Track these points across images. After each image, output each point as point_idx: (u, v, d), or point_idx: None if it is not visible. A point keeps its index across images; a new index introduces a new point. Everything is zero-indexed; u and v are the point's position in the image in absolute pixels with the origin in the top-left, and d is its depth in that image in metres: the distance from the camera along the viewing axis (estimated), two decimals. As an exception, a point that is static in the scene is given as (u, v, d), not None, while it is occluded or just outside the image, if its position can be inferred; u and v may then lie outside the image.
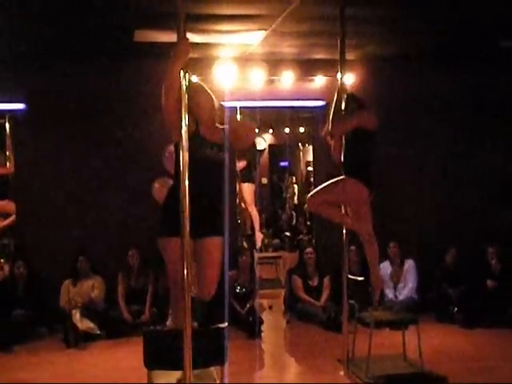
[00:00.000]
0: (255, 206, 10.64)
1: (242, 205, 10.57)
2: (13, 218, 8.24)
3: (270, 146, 12.74)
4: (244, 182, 10.51)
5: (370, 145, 5.98)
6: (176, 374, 3.76)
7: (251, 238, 10.32)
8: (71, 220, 8.64)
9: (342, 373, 6.05)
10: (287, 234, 12.20)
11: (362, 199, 5.93)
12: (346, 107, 6.00)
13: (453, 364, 6.25)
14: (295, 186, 12.76)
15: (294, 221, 12.38)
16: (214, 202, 4.43)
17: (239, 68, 8.67)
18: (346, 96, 6.08)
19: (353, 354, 6.21)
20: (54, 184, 8.66)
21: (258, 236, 10.54)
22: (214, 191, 4.43)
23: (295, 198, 12.79)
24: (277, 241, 12.08)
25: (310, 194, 6.14)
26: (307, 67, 8.99)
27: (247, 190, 10.50)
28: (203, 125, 4.38)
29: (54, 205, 8.63)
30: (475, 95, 9.25)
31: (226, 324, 3.92)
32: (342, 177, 5.92)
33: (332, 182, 5.94)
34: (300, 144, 12.70)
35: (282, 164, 13.33)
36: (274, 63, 8.89)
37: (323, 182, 8.58)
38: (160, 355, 3.85)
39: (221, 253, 4.44)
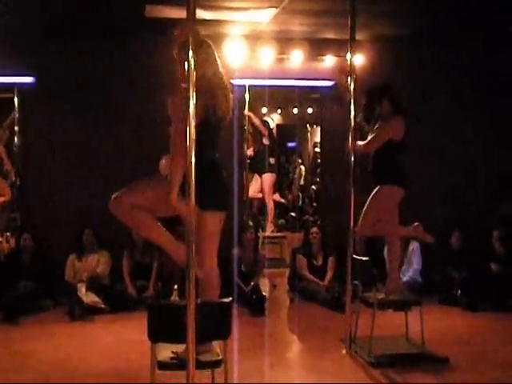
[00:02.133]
0: (273, 196, 10.71)
1: (260, 195, 10.63)
2: (5, 198, 8.16)
3: (277, 125, 12.68)
4: (255, 171, 10.52)
5: (398, 151, 6.07)
6: (180, 348, 3.77)
7: (257, 217, 10.36)
8: (78, 194, 8.67)
9: (344, 352, 6.08)
10: (293, 214, 12.20)
11: (397, 201, 6.10)
12: (380, 107, 6.02)
13: (454, 346, 6.26)
14: (302, 167, 12.74)
15: (300, 201, 12.37)
16: (212, 172, 4.25)
17: (249, 46, 8.64)
18: (380, 90, 6.07)
19: (355, 333, 6.24)
20: (62, 158, 8.69)
21: (270, 227, 10.59)
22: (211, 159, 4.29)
23: (302, 178, 12.77)
24: (282, 221, 12.08)
25: (358, 227, 6.13)
26: (317, 47, 8.95)
27: (267, 180, 10.52)
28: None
29: (61, 179, 8.66)
30: (484, 78, 9.22)
31: (231, 298, 3.93)
32: (376, 189, 6.03)
33: (370, 202, 6.03)
34: (308, 125, 12.66)
35: (290, 145, 13.29)
36: (284, 42, 8.86)
37: (330, 164, 8.67)
38: (164, 328, 3.87)
39: (215, 228, 4.28)
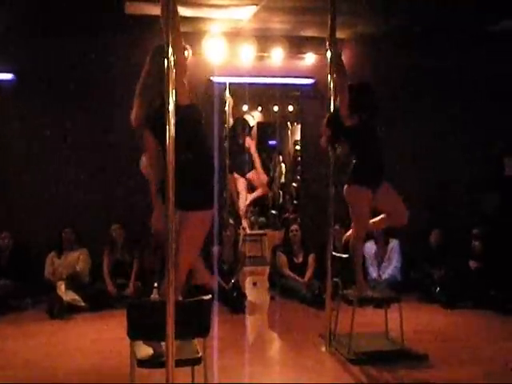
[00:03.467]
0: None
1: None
2: None
3: (258, 123, 12.68)
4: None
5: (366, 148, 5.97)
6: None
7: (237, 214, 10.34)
8: (58, 192, 8.62)
9: (323, 349, 6.11)
10: (273, 212, 12.21)
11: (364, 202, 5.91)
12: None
13: (434, 343, 6.31)
14: (283, 164, 12.75)
15: (281, 199, 12.39)
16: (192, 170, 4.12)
17: (229, 44, 8.64)
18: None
19: (335, 330, 6.27)
20: (41, 156, 8.64)
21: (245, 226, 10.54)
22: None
23: (282, 176, 12.77)
24: (262, 219, 12.09)
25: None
26: (297, 44, 8.98)
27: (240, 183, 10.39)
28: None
29: (41, 177, 8.60)
30: (467, 76, 9.27)
31: (210, 296, 3.93)
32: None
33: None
34: (289, 123, 12.67)
35: (271, 142, 13.30)
36: (264, 39, 8.87)
37: (310, 162, 8.67)
38: (143, 326, 3.87)
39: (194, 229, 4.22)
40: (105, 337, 6.57)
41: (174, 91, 3.53)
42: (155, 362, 3.80)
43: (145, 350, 4.02)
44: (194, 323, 3.74)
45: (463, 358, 5.88)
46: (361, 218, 5.95)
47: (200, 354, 3.98)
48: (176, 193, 3.56)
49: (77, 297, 7.76)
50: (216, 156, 8.58)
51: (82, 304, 7.76)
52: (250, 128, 10.52)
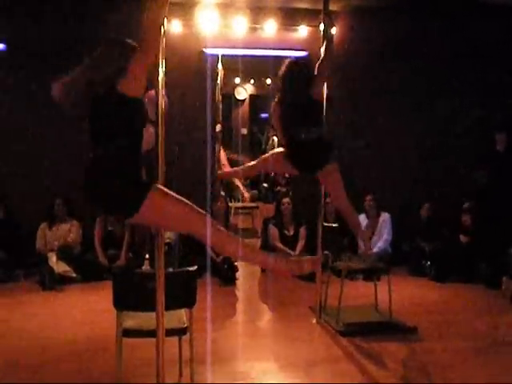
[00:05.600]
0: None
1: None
2: None
3: (250, 96, 12.68)
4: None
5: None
6: (145, 316, 3.78)
7: (229, 186, 10.35)
8: (49, 164, 8.59)
9: (313, 320, 6.15)
10: (265, 185, 12.24)
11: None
12: None
13: (423, 316, 6.35)
14: (275, 137, 12.74)
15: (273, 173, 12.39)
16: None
17: (221, 15, 8.58)
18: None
19: (325, 303, 6.32)
20: (33, 127, 8.59)
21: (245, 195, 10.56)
22: None
23: (274, 149, 12.77)
24: (254, 192, 12.12)
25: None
26: (290, 16, 8.92)
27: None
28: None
29: (32, 149, 8.57)
30: (460, 49, 9.25)
31: (196, 267, 3.95)
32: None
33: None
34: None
35: (263, 115, 13.28)
36: (257, 11, 8.81)
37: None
38: (129, 297, 3.90)
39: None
40: (96, 307, 6.59)
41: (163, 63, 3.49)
42: (141, 331, 3.82)
43: (132, 320, 4.05)
44: (181, 294, 3.76)
45: (452, 331, 5.92)
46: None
47: (186, 325, 4.01)
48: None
49: (68, 268, 7.79)
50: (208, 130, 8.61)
51: (74, 275, 7.79)
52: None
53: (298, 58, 5.79)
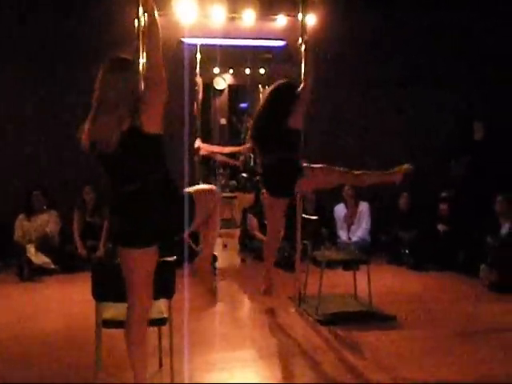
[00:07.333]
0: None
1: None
2: None
3: (229, 86, 12.60)
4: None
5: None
6: (124, 307, 3.77)
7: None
8: (27, 155, 8.53)
9: (293, 310, 6.18)
10: (244, 175, 12.20)
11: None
12: None
13: (402, 304, 6.39)
14: (254, 127, 12.72)
15: (252, 162, 12.36)
16: None
17: (199, 4, 8.52)
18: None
19: (305, 292, 6.34)
20: (11, 119, 8.54)
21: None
22: None
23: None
24: (233, 182, 12.08)
25: None
26: (269, 6, 8.88)
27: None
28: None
29: (10, 140, 8.51)
30: (439, 36, 9.30)
31: (175, 257, 3.94)
32: None
33: None
34: (260, 85, 12.60)
35: (242, 105, 13.24)
36: (235, 0, 8.76)
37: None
38: (108, 287, 3.88)
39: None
40: (74, 298, 6.57)
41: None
42: (121, 322, 3.80)
43: (111, 311, 4.04)
44: (159, 284, 3.74)
45: (430, 318, 5.97)
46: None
47: (165, 315, 4.01)
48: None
49: (47, 259, 7.76)
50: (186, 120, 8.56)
51: (52, 266, 7.76)
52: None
53: (287, 83, 5.77)
